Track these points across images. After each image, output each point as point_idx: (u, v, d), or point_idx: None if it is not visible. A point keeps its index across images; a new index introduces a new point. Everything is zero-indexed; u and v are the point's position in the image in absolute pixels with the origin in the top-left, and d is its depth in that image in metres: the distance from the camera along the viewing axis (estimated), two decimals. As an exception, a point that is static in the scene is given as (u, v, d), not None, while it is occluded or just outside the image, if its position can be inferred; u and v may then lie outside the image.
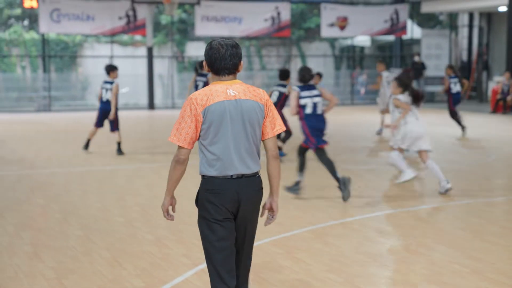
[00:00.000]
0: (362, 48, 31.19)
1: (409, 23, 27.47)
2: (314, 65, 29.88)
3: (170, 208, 4.21)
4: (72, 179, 10.48)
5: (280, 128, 4.17)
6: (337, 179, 8.50)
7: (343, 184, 8.45)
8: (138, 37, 27.36)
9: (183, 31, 29.19)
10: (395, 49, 29.00)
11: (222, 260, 4.05)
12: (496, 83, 23.82)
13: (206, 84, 13.90)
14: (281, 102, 11.78)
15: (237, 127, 4.03)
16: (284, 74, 11.96)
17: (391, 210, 8.24)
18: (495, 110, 22.08)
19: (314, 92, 8.72)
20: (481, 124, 18.82)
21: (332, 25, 26.49)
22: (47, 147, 13.94)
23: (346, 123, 19.53)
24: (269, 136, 4.16)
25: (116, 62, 24.70)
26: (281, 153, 12.36)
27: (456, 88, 15.54)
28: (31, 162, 12.08)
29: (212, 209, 4.05)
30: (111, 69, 12.86)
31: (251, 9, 25.56)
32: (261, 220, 4.33)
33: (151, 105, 24.32)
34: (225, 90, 4.03)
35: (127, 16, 24.10)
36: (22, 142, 14.88)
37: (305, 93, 8.71)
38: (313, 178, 10.43)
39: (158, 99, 25.97)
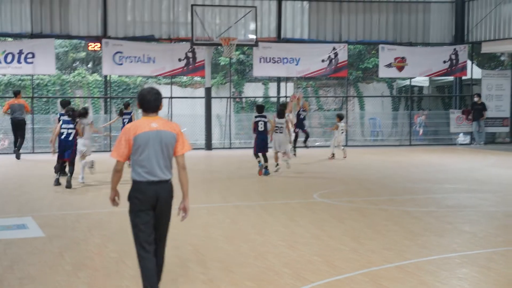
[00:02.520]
0: (420, 88, 30.93)
1: (469, 63, 27.15)
2: (372, 105, 29.79)
3: (116, 198, 6.23)
4: (128, 218, 10.60)
5: (187, 149, 5.99)
6: None
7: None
8: (197, 78, 27.84)
9: (241, 72, 29.57)
10: (454, 90, 28.64)
11: (144, 236, 5.93)
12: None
13: (130, 120, 18.35)
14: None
15: (156, 148, 5.87)
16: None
17: (448, 254, 8.06)
18: (559, 152, 21.49)
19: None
20: (544, 166, 18.33)
21: (390, 65, 26.40)
22: (106, 186, 14.19)
23: (405, 164, 19.30)
24: (179, 154, 5.98)
25: (175, 103, 25.19)
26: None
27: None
28: (91, 201, 12.33)
29: (139, 203, 5.92)
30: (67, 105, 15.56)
31: (309, 50, 25.72)
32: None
33: (209, 146, 24.57)
34: (149, 123, 5.91)
35: (187, 57, 24.59)
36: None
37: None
38: (367, 220, 10.32)
39: (215, 139, 26.25)
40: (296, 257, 7.90)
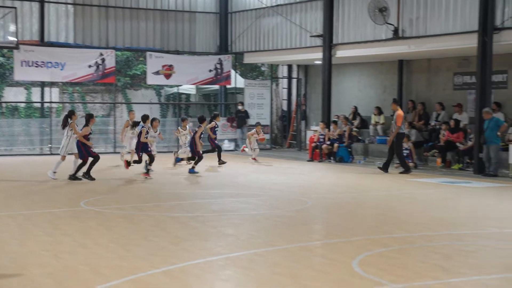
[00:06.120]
0: (188, 96, 31.62)
1: (233, 73, 28.33)
2: (140, 112, 29.79)
3: None
4: None
5: None
6: None
7: None
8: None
9: (1, 75, 27.99)
10: (220, 98, 29.70)
11: None
12: (313, 132, 25.09)
13: None
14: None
15: None
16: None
17: (212, 257, 8.32)
18: (312, 158, 23.19)
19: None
20: (300, 171, 19.68)
21: (157, 73, 26.65)
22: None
23: (173, 171, 19.58)
24: None
25: None
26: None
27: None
28: None
29: None
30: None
31: (74, 55, 25.11)
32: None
33: (-35, 153, 22.92)
34: None
35: None
36: None
37: None
38: (135, 227, 10.33)
39: (-28, 146, 24.56)
40: (61, 267, 7.66)
